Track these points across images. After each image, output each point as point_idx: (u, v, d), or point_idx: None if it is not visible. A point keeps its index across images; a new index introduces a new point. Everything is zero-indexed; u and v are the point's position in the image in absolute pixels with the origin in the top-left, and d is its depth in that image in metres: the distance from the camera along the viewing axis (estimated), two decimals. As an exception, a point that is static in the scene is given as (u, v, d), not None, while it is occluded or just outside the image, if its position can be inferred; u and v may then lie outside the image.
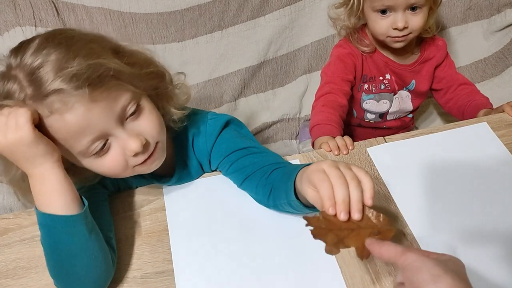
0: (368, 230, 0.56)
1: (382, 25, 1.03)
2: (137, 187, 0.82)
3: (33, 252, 0.74)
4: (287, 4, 1.32)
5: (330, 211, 0.55)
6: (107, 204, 0.77)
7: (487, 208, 0.77)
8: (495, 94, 1.32)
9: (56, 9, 1.17)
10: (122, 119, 0.63)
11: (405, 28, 1.01)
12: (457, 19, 1.41)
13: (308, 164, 0.65)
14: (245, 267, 0.70)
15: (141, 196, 0.81)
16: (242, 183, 0.78)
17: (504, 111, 0.95)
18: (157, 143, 0.68)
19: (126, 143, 0.63)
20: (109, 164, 0.65)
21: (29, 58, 0.58)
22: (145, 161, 0.67)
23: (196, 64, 1.31)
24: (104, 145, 0.63)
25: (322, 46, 1.37)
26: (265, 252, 0.72)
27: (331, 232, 0.56)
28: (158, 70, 0.71)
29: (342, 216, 0.55)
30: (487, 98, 1.12)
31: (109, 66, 0.59)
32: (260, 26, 1.32)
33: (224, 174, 0.82)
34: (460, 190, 0.80)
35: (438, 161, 0.85)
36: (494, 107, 1.05)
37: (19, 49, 0.60)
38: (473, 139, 0.89)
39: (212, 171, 0.85)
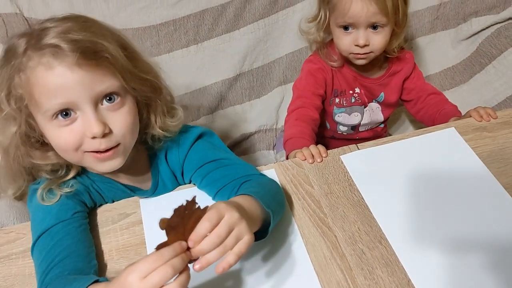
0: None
1: (344, 42, 1.06)
2: (113, 201, 0.82)
3: (9, 270, 0.74)
4: (260, 17, 1.34)
5: (190, 244, 0.56)
6: (88, 227, 0.76)
7: (458, 210, 0.79)
8: (464, 100, 1.37)
9: (30, 27, 1.17)
10: (97, 101, 0.65)
11: (366, 45, 1.04)
12: (426, 29, 1.45)
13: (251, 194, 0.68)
14: (221, 277, 0.71)
15: (118, 210, 0.81)
16: (215, 197, 0.79)
17: (470, 116, 0.98)
18: (119, 144, 0.69)
19: (89, 124, 0.65)
20: (66, 136, 0.66)
21: (48, 23, 0.64)
22: (99, 153, 0.68)
23: (172, 78, 1.30)
24: (69, 115, 0.65)
25: (296, 58, 1.40)
26: (241, 261, 0.72)
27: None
28: (155, 82, 0.73)
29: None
30: (456, 106, 1.16)
31: (109, 49, 0.63)
32: (235, 40, 1.34)
33: (198, 188, 0.83)
34: (432, 194, 0.82)
35: (409, 166, 0.87)
36: (463, 113, 1.08)
37: (46, 19, 0.66)
38: (442, 144, 0.91)
39: (186, 183, 0.85)
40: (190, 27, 1.29)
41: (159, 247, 0.56)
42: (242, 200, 0.67)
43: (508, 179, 0.84)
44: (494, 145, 0.91)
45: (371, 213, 0.79)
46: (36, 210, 0.73)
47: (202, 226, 0.56)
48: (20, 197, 0.76)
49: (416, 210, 0.79)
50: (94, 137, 0.65)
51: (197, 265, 0.56)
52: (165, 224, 0.57)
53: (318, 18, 1.09)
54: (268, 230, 0.70)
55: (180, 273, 0.55)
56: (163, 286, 0.53)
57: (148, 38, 1.27)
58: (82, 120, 0.65)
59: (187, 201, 0.57)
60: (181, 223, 0.57)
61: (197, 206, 0.58)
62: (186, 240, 0.57)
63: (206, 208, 0.58)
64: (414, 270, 0.71)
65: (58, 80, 0.62)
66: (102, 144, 0.67)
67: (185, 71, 1.32)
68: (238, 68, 1.37)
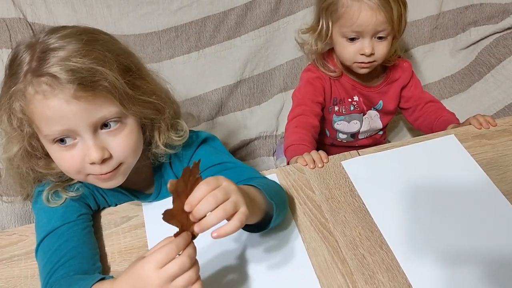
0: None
1: (349, 51, 1.07)
2: (116, 205, 0.83)
3: (11, 272, 0.74)
4: (262, 25, 1.35)
5: (186, 208, 0.56)
6: (92, 230, 0.76)
7: (458, 216, 0.80)
8: (463, 109, 1.38)
9: (33, 32, 1.18)
10: (96, 127, 0.65)
11: (371, 54, 1.05)
12: (425, 38, 1.47)
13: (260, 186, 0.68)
14: (222, 280, 0.71)
15: (121, 213, 0.82)
16: None
17: (470, 124, 0.99)
18: (121, 164, 0.69)
19: (88, 151, 0.64)
20: (68, 160, 0.66)
21: (52, 40, 0.63)
22: (100, 175, 0.68)
23: (173, 84, 1.31)
24: (64, 141, 0.65)
25: (296, 65, 1.41)
26: (242, 265, 0.73)
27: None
28: (159, 104, 0.71)
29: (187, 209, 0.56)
30: (453, 114, 1.17)
31: (107, 77, 0.62)
32: (236, 47, 1.35)
33: None
34: (432, 200, 0.83)
35: (410, 173, 0.88)
36: (462, 121, 1.09)
37: (54, 30, 0.65)
38: (442, 151, 0.92)
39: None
40: (192, 34, 1.30)
41: (166, 217, 0.56)
42: (246, 187, 0.67)
43: (507, 186, 0.85)
44: (493, 153, 0.92)
45: (372, 218, 0.80)
46: (41, 211, 0.73)
47: (200, 188, 0.56)
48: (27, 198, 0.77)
49: (416, 215, 0.80)
50: (93, 163, 0.65)
51: (196, 226, 0.56)
52: (173, 187, 0.56)
53: (318, 29, 1.10)
54: (270, 223, 0.70)
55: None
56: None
57: (149, 44, 1.27)
58: (81, 145, 0.65)
59: (194, 162, 0.57)
60: (185, 191, 0.57)
61: (200, 174, 0.57)
62: (187, 213, 0.57)
63: None
64: (415, 275, 0.71)
65: (54, 111, 0.61)
66: (103, 169, 0.67)
67: (186, 78, 1.33)
68: (238, 75, 1.37)
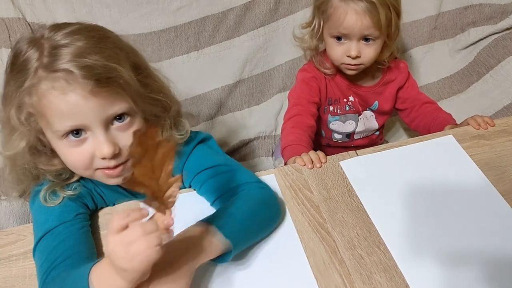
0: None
1: (337, 52, 1.07)
2: (114, 204, 0.83)
3: (9, 271, 0.74)
4: (261, 25, 1.36)
5: None
6: (90, 229, 0.76)
7: (455, 217, 0.80)
8: (462, 109, 1.38)
9: (32, 31, 1.18)
10: (108, 123, 0.66)
11: (357, 57, 1.05)
12: (424, 39, 1.47)
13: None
14: (219, 280, 0.71)
15: (119, 213, 0.81)
16: (213, 203, 0.80)
17: (468, 125, 0.99)
18: (128, 160, 0.69)
19: (100, 145, 0.65)
20: (76, 155, 0.67)
21: (60, 36, 0.63)
22: (108, 169, 0.68)
23: (172, 84, 1.32)
24: (80, 134, 0.65)
25: (296, 65, 1.41)
26: (239, 264, 0.73)
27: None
28: (166, 102, 0.73)
29: None
30: (450, 115, 1.17)
31: (122, 74, 0.63)
32: (235, 47, 1.35)
33: (198, 193, 0.83)
34: (430, 200, 0.83)
35: (408, 173, 0.88)
36: (459, 122, 1.09)
37: (58, 26, 0.65)
38: (440, 151, 0.92)
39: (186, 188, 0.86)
40: (191, 34, 1.30)
41: (129, 184, 0.54)
42: (193, 231, 0.67)
43: (505, 187, 0.85)
44: (491, 153, 0.92)
45: (370, 218, 0.80)
46: (38, 211, 0.73)
47: None
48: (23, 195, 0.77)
49: (414, 216, 0.80)
50: (104, 158, 0.66)
51: None
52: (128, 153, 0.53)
53: (312, 26, 1.10)
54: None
55: None
56: None
57: (149, 44, 1.28)
58: (92, 141, 0.66)
59: (147, 127, 0.53)
60: (146, 157, 0.53)
61: (160, 137, 0.55)
62: (156, 178, 0.54)
63: (173, 143, 0.55)
64: (412, 275, 0.71)
65: (71, 106, 0.62)
66: (112, 162, 0.67)
67: (185, 77, 1.33)
68: (238, 75, 1.38)
